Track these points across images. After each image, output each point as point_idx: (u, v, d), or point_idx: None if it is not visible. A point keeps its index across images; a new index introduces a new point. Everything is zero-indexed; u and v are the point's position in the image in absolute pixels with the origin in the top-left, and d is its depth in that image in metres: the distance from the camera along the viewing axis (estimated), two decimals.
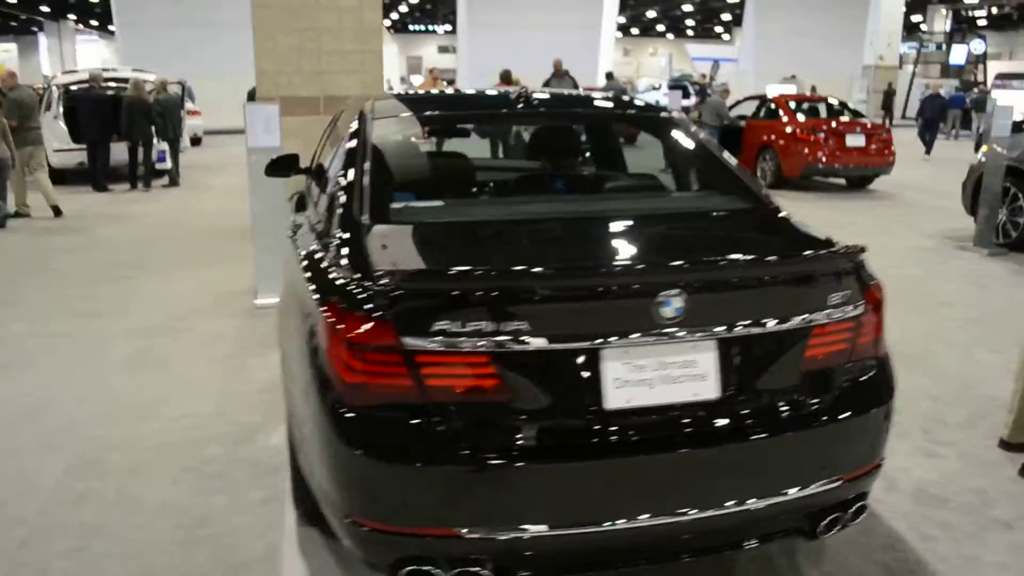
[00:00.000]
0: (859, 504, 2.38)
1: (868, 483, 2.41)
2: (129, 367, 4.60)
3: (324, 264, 2.39)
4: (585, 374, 2.08)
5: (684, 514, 2.13)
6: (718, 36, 55.44)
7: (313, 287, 2.31)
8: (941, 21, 38.76)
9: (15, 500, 3.14)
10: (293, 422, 2.63)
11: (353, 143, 2.94)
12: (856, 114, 13.34)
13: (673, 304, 2.07)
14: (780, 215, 2.82)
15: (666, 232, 2.75)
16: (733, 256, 2.34)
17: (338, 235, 2.49)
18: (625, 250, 2.67)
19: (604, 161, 4.09)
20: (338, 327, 2.06)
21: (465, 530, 2.04)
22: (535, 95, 3.40)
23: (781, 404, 2.26)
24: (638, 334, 2.09)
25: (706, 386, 2.16)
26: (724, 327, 2.15)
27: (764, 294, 2.23)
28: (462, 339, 1.99)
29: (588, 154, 4.15)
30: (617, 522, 2.08)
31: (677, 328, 2.10)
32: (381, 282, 2.05)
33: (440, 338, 1.99)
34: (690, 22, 51.86)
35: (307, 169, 3.79)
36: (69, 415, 3.94)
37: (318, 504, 2.37)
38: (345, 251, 2.37)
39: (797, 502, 2.26)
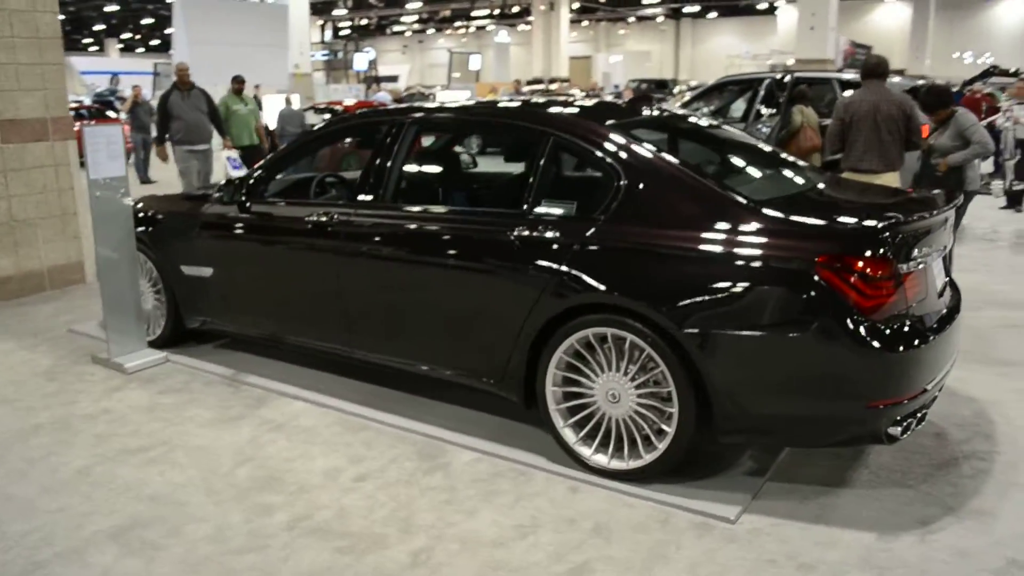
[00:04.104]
0: None
1: None
2: (136, 460, 3.60)
3: (785, 235, 3.01)
4: (930, 275, 3.27)
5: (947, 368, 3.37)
6: (85, 48, 51.57)
7: (785, 256, 2.95)
8: (318, 32, 43.10)
9: None
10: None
11: (647, 154, 3.40)
12: None
13: (946, 227, 3.41)
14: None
15: (867, 189, 4.07)
16: (935, 197, 3.64)
17: (745, 217, 3.10)
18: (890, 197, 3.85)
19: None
20: (854, 270, 2.87)
21: (928, 385, 3.05)
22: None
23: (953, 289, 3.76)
24: (938, 248, 3.35)
25: (941, 280, 3.51)
26: (943, 245, 3.46)
27: (945, 224, 3.50)
28: (917, 261, 3.07)
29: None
30: (937, 376, 3.20)
31: (943, 244, 3.42)
32: (884, 232, 2.95)
33: (912, 262, 3.04)
34: None
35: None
36: (212, 523, 3.16)
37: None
38: (790, 225, 3.07)
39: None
